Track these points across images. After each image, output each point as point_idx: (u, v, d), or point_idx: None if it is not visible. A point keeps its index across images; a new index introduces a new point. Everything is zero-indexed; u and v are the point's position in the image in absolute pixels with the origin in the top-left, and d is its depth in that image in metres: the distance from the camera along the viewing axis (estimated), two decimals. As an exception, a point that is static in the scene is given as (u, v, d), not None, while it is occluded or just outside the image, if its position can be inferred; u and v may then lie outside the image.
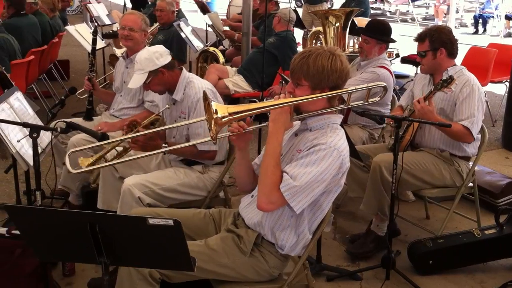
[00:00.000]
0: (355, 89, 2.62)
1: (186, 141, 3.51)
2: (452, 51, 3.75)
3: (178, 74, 3.53)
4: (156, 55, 3.43)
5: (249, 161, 2.75)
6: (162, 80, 3.46)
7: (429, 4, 20.72)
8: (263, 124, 2.78)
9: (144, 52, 3.50)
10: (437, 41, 3.70)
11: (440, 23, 16.07)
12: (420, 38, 3.77)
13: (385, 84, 2.77)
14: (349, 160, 2.54)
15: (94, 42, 4.90)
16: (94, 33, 4.97)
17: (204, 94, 2.54)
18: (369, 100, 2.74)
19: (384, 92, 2.76)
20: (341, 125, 2.62)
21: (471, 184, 3.93)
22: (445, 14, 16.52)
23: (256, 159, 2.81)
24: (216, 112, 2.39)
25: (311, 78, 2.48)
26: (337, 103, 2.61)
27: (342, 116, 2.67)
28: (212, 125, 2.42)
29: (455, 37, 3.79)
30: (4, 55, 5.39)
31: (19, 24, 6.60)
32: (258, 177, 2.68)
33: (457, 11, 16.33)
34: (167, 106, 3.55)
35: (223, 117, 2.40)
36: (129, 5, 10.88)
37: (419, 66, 7.52)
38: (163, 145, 3.22)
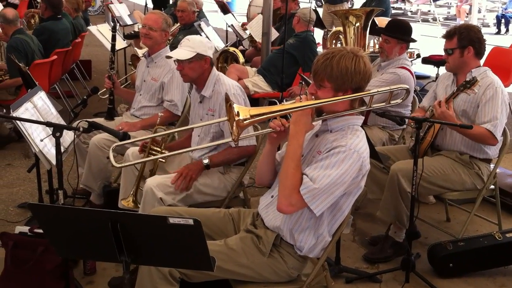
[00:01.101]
0: (377, 92, 2.61)
1: (211, 139, 3.55)
2: (479, 51, 3.70)
3: (210, 72, 3.59)
4: (209, 45, 3.56)
5: (274, 157, 2.75)
6: (200, 68, 3.53)
7: (451, 3, 20.52)
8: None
9: (199, 36, 3.63)
10: (465, 39, 3.65)
11: (462, 23, 15.91)
12: (448, 35, 3.71)
13: (408, 86, 2.76)
14: (369, 162, 2.53)
15: (113, 38, 4.93)
16: (113, 30, 5.01)
17: (226, 96, 2.56)
18: (391, 102, 2.72)
19: (406, 94, 2.74)
20: (362, 126, 2.62)
21: (492, 187, 3.88)
22: (467, 14, 16.35)
23: (276, 155, 2.81)
24: (238, 114, 2.41)
25: (335, 79, 2.48)
26: (358, 105, 2.61)
27: (363, 118, 2.66)
28: (234, 127, 2.43)
29: (484, 37, 3.74)
30: (20, 57, 5.46)
31: (56, 28, 6.70)
32: (277, 174, 2.69)
33: (479, 11, 16.17)
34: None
35: (245, 119, 2.41)
36: (150, 5, 10.95)
37: (440, 67, 7.48)
38: (204, 162, 3.40)
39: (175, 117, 4.28)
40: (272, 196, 2.74)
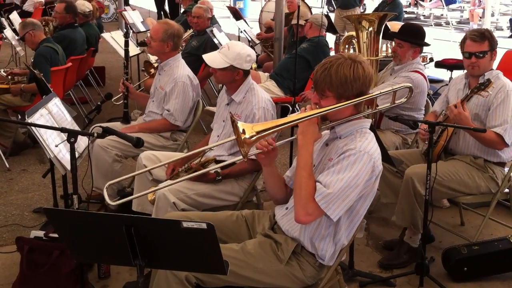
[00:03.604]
0: (380, 93, 2.61)
1: (232, 143, 3.56)
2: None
3: (244, 80, 3.60)
4: (247, 59, 3.53)
5: (278, 175, 2.76)
6: (231, 78, 3.55)
7: (463, 7, 20.39)
8: (291, 138, 2.84)
9: (241, 46, 3.57)
10: (495, 43, 3.65)
11: (475, 26, 15.81)
12: (481, 37, 3.64)
13: (410, 85, 2.75)
14: (381, 163, 2.53)
15: (126, 44, 4.98)
16: (126, 35, 5.05)
17: (230, 115, 2.57)
18: (396, 101, 2.73)
19: (410, 93, 2.74)
20: (372, 128, 2.62)
21: (506, 190, 3.86)
22: (480, 17, 16.25)
23: (287, 171, 2.83)
24: (244, 132, 2.41)
25: (335, 88, 2.49)
26: (364, 108, 2.61)
27: (371, 120, 2.67)
28: (242, 146, 2.43)
29: None
30: (47, 65, 5.55)
31: (74, 36, 6.78)
32: (290, 189, 2.69)
33: (492, 14, 16.04)
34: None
35: (251, 136, 2.42)
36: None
37: (453, 71, 7.45)
38: (217, 178, 3.43)
39: (173, 127, 4.30)
40: (286, 208, 2.74)
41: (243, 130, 2.42)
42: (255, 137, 2.42)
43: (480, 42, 3.65)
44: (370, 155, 2.45)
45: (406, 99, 2.77)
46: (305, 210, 2.42)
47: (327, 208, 2.42)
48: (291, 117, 2.53)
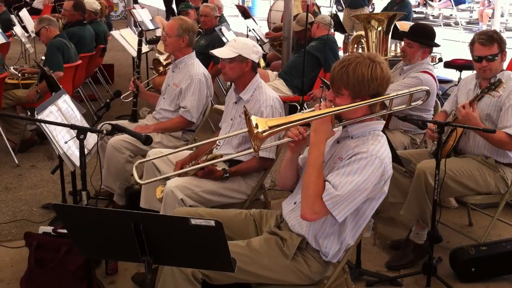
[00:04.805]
0: (397, 95, 2.59)
1: (239, 141, 3.60)
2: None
3: (253, 77, 3.62)
4: (254, 49, 3.57)
5: (297, 163, 2.76)
6: (240, 70, 3.56)
7: (473, 7, 20.29)
8: (284, 140, 2.76)
9: (246, 39, 3.66)
10: (504, 44, 3.64)
11: (484, 27, 15.74)
12: (490, 40, 3.62)
13: (428, 88, 2.74)
14: (391, 168, 2.52)
15: (139, 43, 5.00)
16: (140, 35, 5.08)
17: (244, 109, 2.58)
18: (412, 104, 2.72)
19: (426, 96, 2.73)
20: (383, 131, 2.61)
21: (515, 191, 3.84)
22: (490, 18, 16.15)
23: (299, 159, 2.81)
24: (257, 127, 2.41)
25: (352, 87, 2.47)
26: (378, 109, 2.60)
27: (384, 122, 2.65)
28: (254, 139, 2.44)
29: None
30: (59, 54, 5.62)
31: (83, 33, 6.81)
32: (299, 178, 2.69)
33: (502, 15, 15.94)
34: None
35: (264, 131, 2.42)
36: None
37: (462, 71, 7.41)
38: (225, 175, 3.44)
39: (189, 124, 4.31)
40: (294, 203, 2.74)
41: (256, 124, 2.42)
42: (267, 132, 2.42)
43: (489, 45, 3.63)
44: (381, 160, 2.43)
45: (422, 101, 2.75)
46: (312, 209, 2.43)
47: (333, 208, 2.42)
48: (305, 114, 2.52)
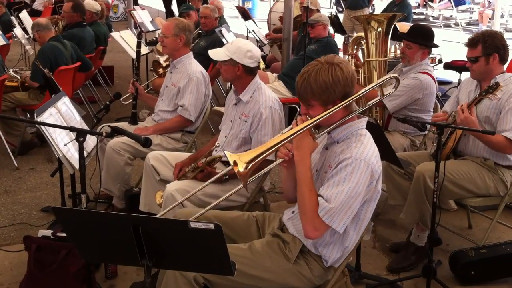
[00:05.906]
0: (365, 90, 2.58)
1: (239, 144, 3.60)
2: (504, 57, 3.67)
3: (251, 79, 3.62)
4: (247, 54, 3.54)
5: (295, 177, 2.75)
6: (233, 74, 3.57)
7: (473, 8, 20.29)
8: (276, 163, 2.67)
9: (243, 42, 3.63)
10: (491, 47, 3.62)
11: (484, 28, 15.73)
12: (472, 43, 3.66)
13: (396, 75, 2.73)
14: (380, 165, 2.50)
15: (138, 45, 4.99)
16: (139, 37, 5.08)
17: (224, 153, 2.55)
18: (385, 93, 2.78)
19: (397, 83, 2.70)
20: (379, 130, 2.59)
21: (515, 193, 3.83)
22: (490, 19, 16.15)
23: None
24: (236, 164, 2.36)
25: (318, 96, 2.46)
26: (355, 107, 2.59)
27: (366, 118, 2.64)
28: (239, 177, 2.38)
29: (507, 43, 3.72)
30: (45, 63, 5.52)
31: (83, 35, 6.82)
32: None
33: (502, 16, 15.94)
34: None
35: (244, 168, 2.36)
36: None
37: (462, 73, 7.40)
38: (224, 178, 3.41)
39: (188, 123, 4.30)
40: (293, 212, 2.74)
41: (234, 162, 2.36)
42: (248, 168, 2.37)
43: (471, 47, 3.67)
44: (366, 161, 2.42)
45: (394, 89, 2.73)
46: (312, 226, 2.43)
47: (332, 222, 2.42)
48: (279, 137, 2.47)
